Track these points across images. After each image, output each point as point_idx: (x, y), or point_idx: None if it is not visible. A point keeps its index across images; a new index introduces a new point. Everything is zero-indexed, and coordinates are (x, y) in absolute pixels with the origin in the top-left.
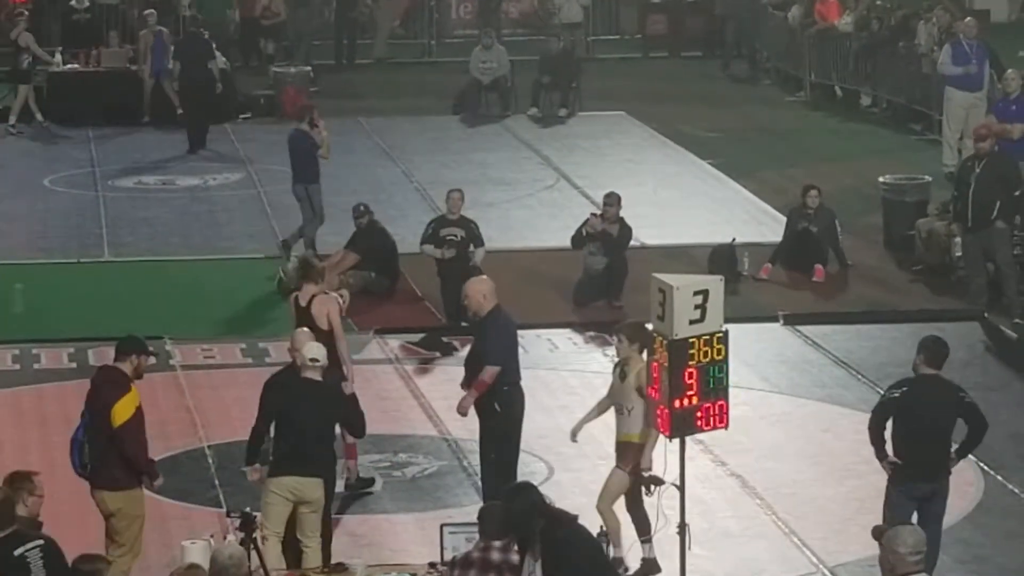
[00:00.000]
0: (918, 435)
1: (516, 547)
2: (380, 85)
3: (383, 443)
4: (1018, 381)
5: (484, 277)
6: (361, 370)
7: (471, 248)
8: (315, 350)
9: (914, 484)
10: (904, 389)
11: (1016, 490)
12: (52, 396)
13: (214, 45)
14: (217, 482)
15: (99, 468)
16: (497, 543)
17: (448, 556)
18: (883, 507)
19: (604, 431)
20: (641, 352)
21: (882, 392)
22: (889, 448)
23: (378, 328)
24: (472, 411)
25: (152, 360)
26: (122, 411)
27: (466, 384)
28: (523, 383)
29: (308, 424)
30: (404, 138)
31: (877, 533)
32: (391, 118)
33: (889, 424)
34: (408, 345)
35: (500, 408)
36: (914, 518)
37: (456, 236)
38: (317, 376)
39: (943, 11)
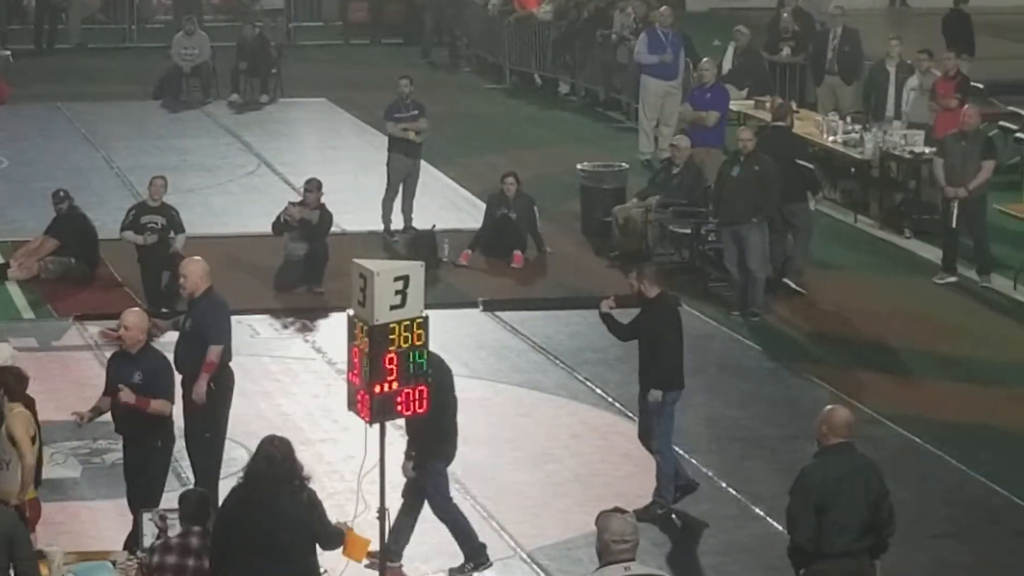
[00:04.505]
0: None
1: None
2: (80, 70)
3: (82, 430)
4: (711, 366)
5: (198, 258)
6: (60, 357)
7: (172, 235)
8: None
9: None
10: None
11: (711, 474)
12: None
13: None
14: None
15: None
16: (197, 528)
17: (147, 542)
18: None
19: (306, 419)
20: (13, 399)
21: (583, 378)
22: None
23: (77, 314)
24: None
25: None
26: None
27: (180, 367)
28: None
29: None
30: (104, 124)
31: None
32: (91, 104)
33: None
34: (108, 331)
35: (213, 386)
36: None
37: (157, 223)
38: None
39: (640, 0)
